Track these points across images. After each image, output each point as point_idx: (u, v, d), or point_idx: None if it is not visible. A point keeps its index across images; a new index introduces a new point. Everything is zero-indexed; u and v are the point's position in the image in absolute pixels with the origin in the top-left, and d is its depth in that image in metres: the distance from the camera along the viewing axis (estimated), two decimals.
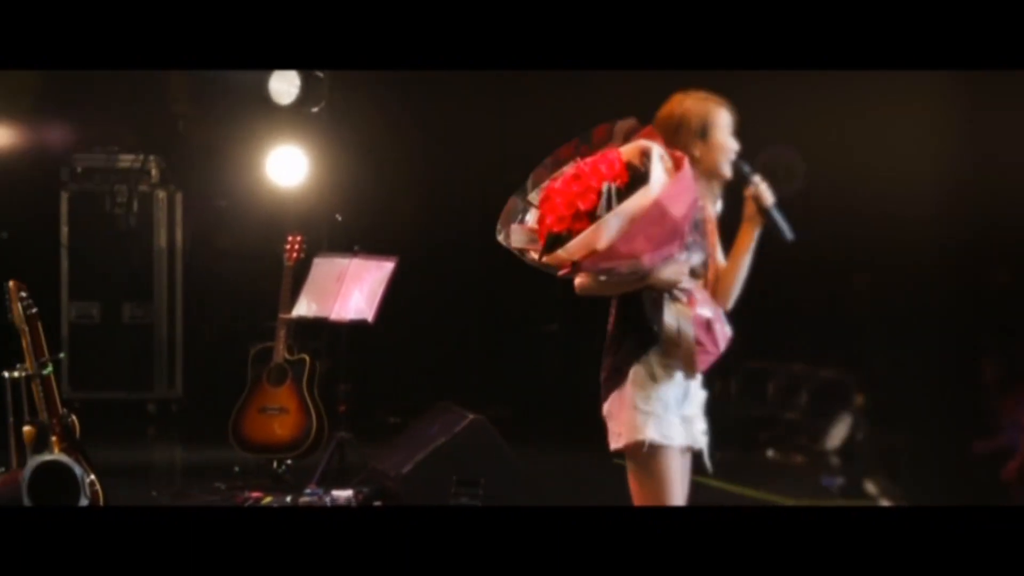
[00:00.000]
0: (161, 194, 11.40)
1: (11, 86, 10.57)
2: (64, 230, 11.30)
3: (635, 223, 4.33)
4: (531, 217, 4.60)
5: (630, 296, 4.54)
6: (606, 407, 4.65)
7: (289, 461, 8.74)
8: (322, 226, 10.04)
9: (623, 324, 4.60)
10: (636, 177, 4.38)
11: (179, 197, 11.49)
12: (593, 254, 4.35)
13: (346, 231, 9.78)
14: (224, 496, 8.23)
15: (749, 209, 4.63)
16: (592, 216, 4.34)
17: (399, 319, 9.30)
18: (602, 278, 4.46)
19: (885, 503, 8.25)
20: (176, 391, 11.39)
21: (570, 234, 4.36)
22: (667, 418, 4.55)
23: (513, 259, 13.05)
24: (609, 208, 4.33)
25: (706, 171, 4.61)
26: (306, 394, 8.73)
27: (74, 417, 6.99)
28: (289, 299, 8.76)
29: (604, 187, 4.34)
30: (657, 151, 4.44)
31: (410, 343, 11.04)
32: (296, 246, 8.90)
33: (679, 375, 4.56)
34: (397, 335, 10.28)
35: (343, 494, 7.90)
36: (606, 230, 4.31)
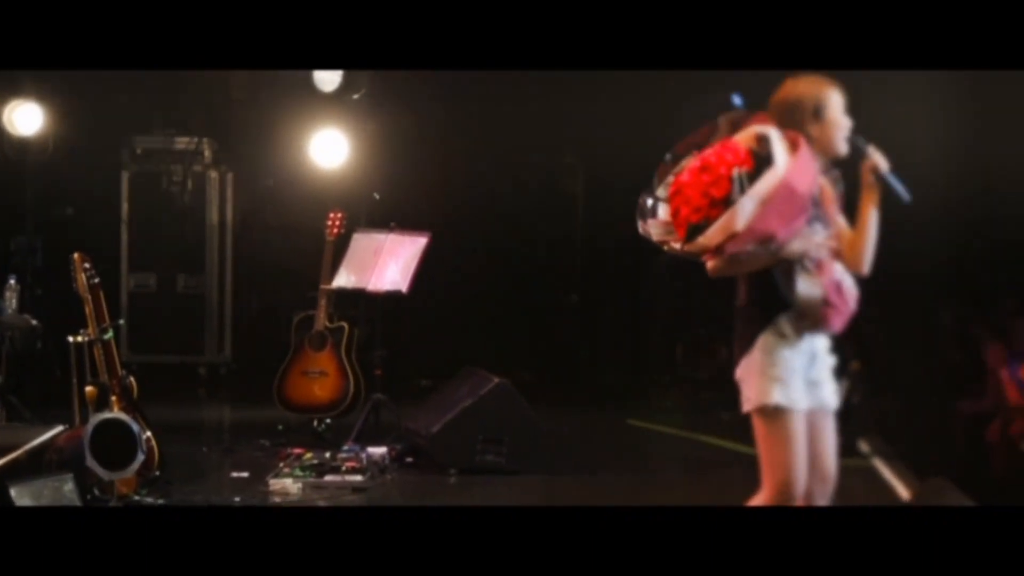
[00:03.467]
0: (213, 174, 11.44)
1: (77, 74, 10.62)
2: (124, 207, 11.35)
3: (767, 203, 4.34)
4: (663, 211, 4.58)
5: (758, 271, 4.52)
6: (738, 372, 4.62)
7: (329, 420, 8.77)
8: (361, 204, 10.04)
9: (752, 297, 4.57)
10: (760, 161, 4.38)
11: (230, 177, 11.52)
12: (732, 237, 4.35)
13: (383, 209, 9.79)
14: (268, 451, 8.27)
15: (867, 178, 4.57)
16: (727, 202, 4.34)
17: (431, 290, 9.33)
18: (742, 258, 4.44)
19: (877, 462, 8.24)
20: (225, 355, 11.44)
21: (708, 222, 4.36)
22: (793, 383, 4.52)
23: (536, 235, 13.02)
24: (742, 192, 4.33)
25: (822, 149, 4.57)
26: (345, 359, 8.76)
27: (132, 379, 7.03)
28: (330, 271, 8.78)
29: (734, 173, 4.34)
30: (775, 134, 4.44)
31: (441, 312, 11.06)
32: (337, 222, 8.91)
33: (806, 341, 4.53)
34: (429, 305, 10.29)
35: (378, 451, 7.94)
36: (741, 213, 4.32)
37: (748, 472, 8.14)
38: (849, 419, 8.54)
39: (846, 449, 8.47)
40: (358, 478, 7.51)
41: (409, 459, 8.05)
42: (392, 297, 8.73)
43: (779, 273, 4.49)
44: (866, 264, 4.63)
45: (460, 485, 7.59)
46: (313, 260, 9.10)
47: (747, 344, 4.55)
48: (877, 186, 4.55)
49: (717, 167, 4.37)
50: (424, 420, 8.11)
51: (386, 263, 8.62)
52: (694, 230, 4.40)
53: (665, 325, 11.01)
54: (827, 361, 4.66)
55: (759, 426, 4.59)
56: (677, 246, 4.51)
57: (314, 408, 8.79)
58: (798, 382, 4.54)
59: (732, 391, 10.92)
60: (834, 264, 4.56)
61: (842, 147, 4.58)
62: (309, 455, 7.93)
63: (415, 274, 8.52)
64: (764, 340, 4.52)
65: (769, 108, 4.62)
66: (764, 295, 4.53)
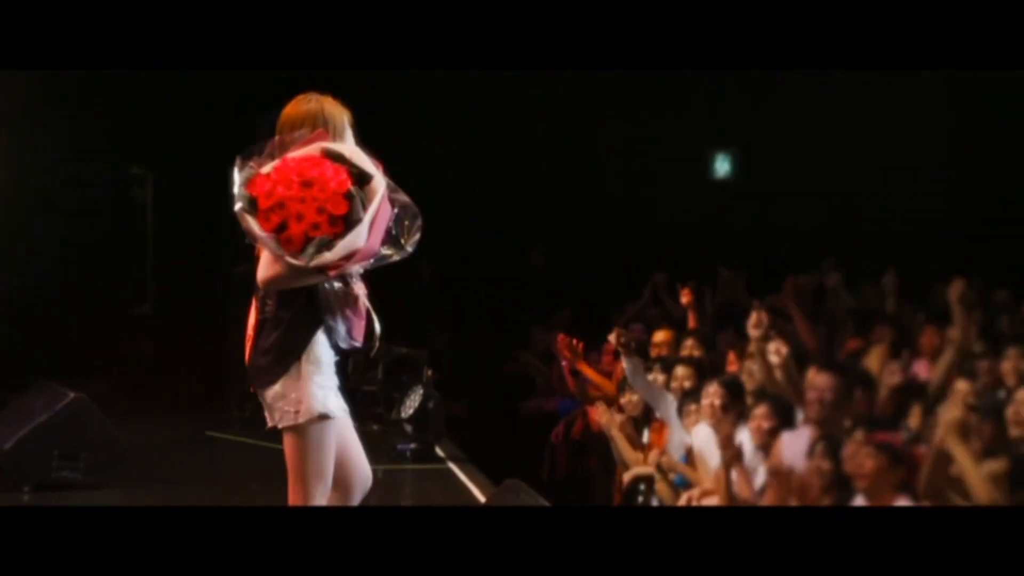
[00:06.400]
0: None
1: None
2: None
3: (375, 220, 4.30)
4: (253, 222, 4.31)
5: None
6: (276, 388, 4.41)
7: None
8: None
9: (287, 310, 4.41)
10: (356, 177, 4.30)
11: None
12: (354, 254, 4.28)
13: None
14: None
15: None
16: (348, 220, 4.24)
17: None
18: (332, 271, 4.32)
19: (452, 465, 8.47)
20: None
21: (328, 238, 4.25)
22: (336, 391, 4.47)
23: (105, 245, 12.59)
24: (364, 210, 4.26)
25: None
26: None
27: None
28: None
29: (352, 191, 4.25)
30: (359, 150, 4.39)
31: (8, 324, 10.58)
32: None
33: (332, 350, 4.47)
34: None
35: None
36: (364, 230, 4.26)
37: None
38: (426, 426, 8.81)
39: (424, 455, 8.76)
40: None
41: None
42: None
43: (330, 287, 4.41)
44: None
45: (34, 502, 7.25)
46: None
47: (290, 358, 4.40)
48: None
49: (326, 182, 4.27)
50: None
51: None
52: (321, 245, 4.26)
53: (241, 335, 10.89)
54: None
55: (303, 438, 4.42)
56: (298, 262, 4.29)
57: None
58: (336, 390, 4.50)
59: None
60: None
61: None
62: None
63: None
64: (310, 353, 4.41)
65: (283, 121, 4.50)
66: (307, 306, 4.41)
